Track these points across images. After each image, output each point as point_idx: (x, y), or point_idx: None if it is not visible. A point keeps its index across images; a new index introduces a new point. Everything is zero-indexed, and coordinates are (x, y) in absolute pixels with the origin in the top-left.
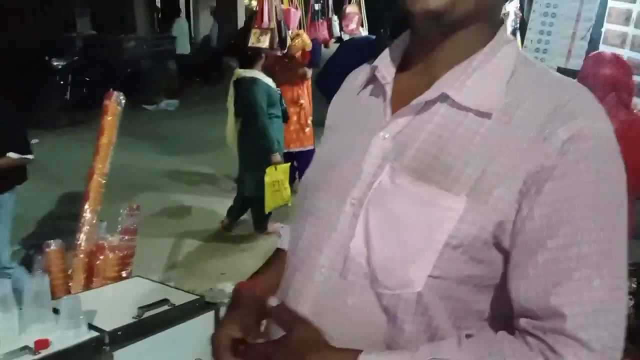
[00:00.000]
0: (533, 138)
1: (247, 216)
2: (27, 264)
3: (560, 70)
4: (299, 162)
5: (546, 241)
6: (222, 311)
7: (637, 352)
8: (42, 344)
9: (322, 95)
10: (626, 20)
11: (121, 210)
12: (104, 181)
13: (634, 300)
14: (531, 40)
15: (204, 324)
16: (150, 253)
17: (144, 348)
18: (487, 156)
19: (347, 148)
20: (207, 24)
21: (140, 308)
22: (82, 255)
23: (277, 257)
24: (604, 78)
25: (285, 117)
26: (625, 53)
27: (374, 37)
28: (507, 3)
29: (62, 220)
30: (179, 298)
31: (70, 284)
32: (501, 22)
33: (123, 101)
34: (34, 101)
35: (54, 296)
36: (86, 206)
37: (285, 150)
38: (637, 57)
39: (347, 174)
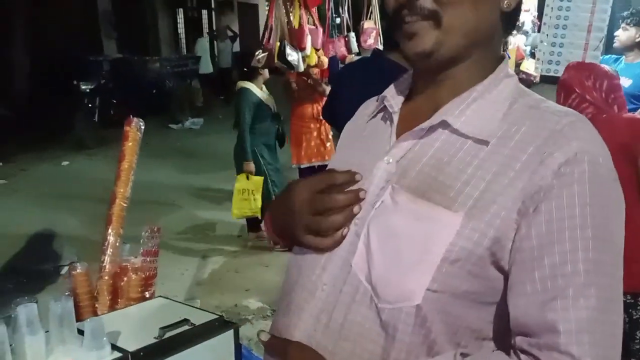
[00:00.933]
0: (530, 160)
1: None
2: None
3: None
4: None
5: (543, 259)
6: (242, 330)
7: None
8: None
9: (332, 126)
10: None
11: (142, 233)
12: (125, 205)
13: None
14: (544, 52)
15: (224, 342)
16: (177, 270)
17: None
18: (486, 178)
19: (352, 169)
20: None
21: (161, 328)
22: (106, 277)
23: None
24: (559, 84)
25: (281, 141)
26: None
27: (368, 55)
28: (510, 37)
29: (93, 241)
30: (199, 317)
31: (96, 305)
32: (502, 57)
33: (142, 127)
34: (64, 124)
35: (80, 318)
36: (109, 230)
37: (308, 165)
38: None
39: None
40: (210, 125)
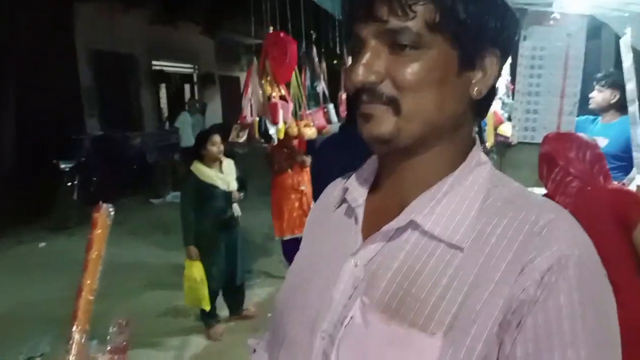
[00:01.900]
0: (509, 269)
1: (254, 308)
2: None
3: None
4: None
5: None
6: None
7: None
8: None
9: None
10: None
11: (110, 328)
12: (92, 297)
13: None
14: (518, 119)
15: None
16: (158, 354)
17: None
18: (462, 289)
19: (317, 270)
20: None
21: None
22: None
23: None
24: (541, 156)
25: (232, 221)
26: None
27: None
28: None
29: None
30: None
31: None
32: (473, 143)
33: (112, 213)
34: (42, 204)
35: None
36: (74, 327)
37: (291, 236)
38: None
39: (317, 302)
40: None
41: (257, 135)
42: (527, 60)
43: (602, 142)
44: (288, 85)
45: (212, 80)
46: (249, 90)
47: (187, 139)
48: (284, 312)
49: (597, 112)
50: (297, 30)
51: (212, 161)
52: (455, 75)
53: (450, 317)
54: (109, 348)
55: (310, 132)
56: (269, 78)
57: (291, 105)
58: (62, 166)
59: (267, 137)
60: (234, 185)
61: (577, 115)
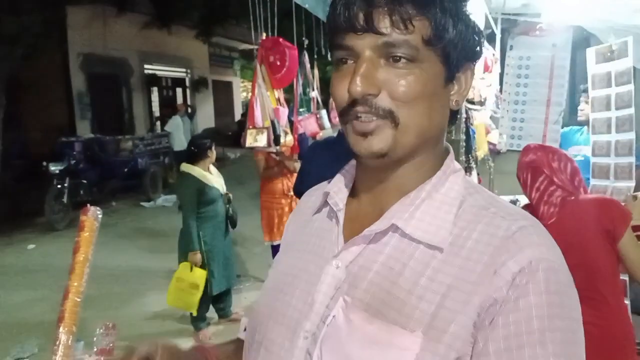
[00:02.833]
0: (484, 271)
1: (242, 312)
2: None
3: None
4: None
5: None
6: None
7: None
8: None
9: None
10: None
11: (97, 330)
12: (79, 299)
13: None
14: (505, 128)
15: None
16: None
17: None
18: (440, 290)
19: (299, 273)
20: (207, 120)
21: None
22: None
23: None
24: (526, 164)
25: (233, 223)
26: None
27: (335, 135)
28: (475, 112)
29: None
30: None
31: None
32: (447, 151)
33: (100, 215)
34: (32, 206)
35: None
36: (61, 328)
37: (279, 242)
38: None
39: (299, 303)
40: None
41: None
42: (513, 70)
43: (589, 151)
44: (285, 90)
45: (205, 84)
46: (256, 93)
47: (179, 143)
48: (264, 314)
49: (585, 124)
50: (289, 36)
51: (206, 166)
52: (442, 88)
53: (429, 316)
54: (95, 350)
55: (286, 140)
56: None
57: (287, 111)
58: (52, 169)
59: (277, 141)
60: (224, 188)
61: (565, 126)
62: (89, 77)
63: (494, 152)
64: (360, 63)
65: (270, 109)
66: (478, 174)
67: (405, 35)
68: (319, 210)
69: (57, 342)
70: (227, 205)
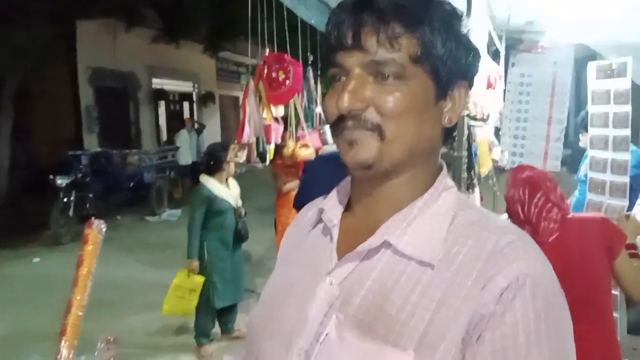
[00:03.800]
0: (472, 286)
1: (245, 329)
2: None
3: None
4: None
5: None
6: None
7: None
8: None
9: None
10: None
11: (98, 344)
12: (82, 314)
13: None
14: (507, 145)
15: None
16: None
17: None
18: (430, 306)
19: (293, 288)
20: (213, 134)
21: None
22: None
23: None
24: (523, 180)
25: (240, 237)
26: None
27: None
28: (478, 128)
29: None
30: None
31: None
32: (440, 168)
33: (104, 229)
34: (37, 220)
35: None
36: (62, 342)
37: None
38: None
39: (293, 319)
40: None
41: (256, 155)
42: (515, 87)
43: None
44: (284, 106)
45: (212, 98)
46: (247, 110)
47: (185, 157)
48: (259, 328)
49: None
50: (294, 52)
51: (222, 178)
52: (432, 105)
53: (420, 334)
54: None
55: (304, 153)
56: (261, 99)
57: (282, 127)
58: (59, 182)
59: (263, 158)
60: (239, 202)
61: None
62: (97, 91)
63: (498, 169)
64: (349, 80)
65: (260, 126)
66: (480, 192)
67: (392, 53)
68: (314, 226)
69: (59, 356)
70: (237, 220)
